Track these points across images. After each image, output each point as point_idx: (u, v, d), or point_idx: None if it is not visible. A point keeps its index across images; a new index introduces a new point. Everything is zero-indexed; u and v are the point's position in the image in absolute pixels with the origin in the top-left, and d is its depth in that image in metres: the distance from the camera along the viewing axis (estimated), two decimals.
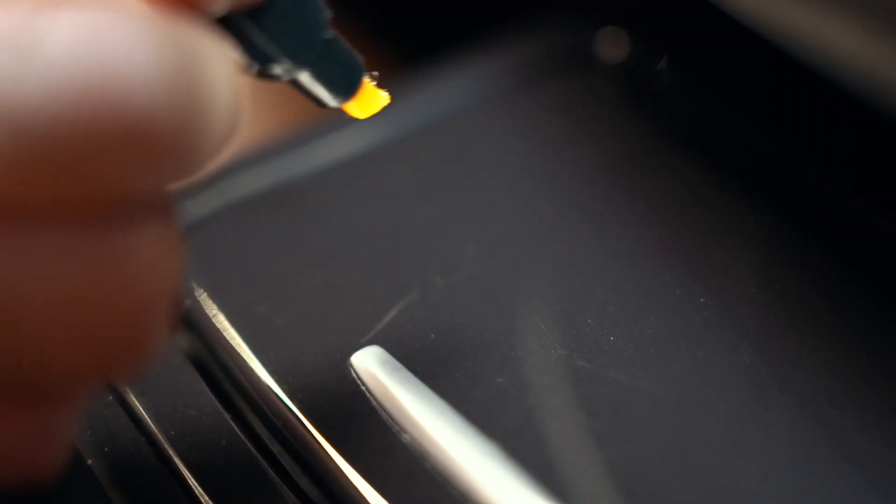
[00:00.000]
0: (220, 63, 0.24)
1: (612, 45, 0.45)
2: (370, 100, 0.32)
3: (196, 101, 0.23)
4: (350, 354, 0.33)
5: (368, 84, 0.32)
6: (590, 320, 0.34)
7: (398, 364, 0.33)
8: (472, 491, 0.30)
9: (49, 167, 0.21)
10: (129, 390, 0.33)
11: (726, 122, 0.42)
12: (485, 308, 0.35)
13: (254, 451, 0.32)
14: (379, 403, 0.32)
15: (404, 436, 0.31)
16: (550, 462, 0.30)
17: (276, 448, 0.32)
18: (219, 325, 0.35)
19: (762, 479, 0.30)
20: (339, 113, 0.32)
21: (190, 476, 0.32)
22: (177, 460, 0.32)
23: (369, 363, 0.33)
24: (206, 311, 0.35)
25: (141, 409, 0.33)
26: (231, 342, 0.34)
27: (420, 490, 0.30)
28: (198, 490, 0.31)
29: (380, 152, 0.41)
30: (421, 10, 0.58)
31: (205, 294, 0.36)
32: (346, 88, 0.31)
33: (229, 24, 0.27)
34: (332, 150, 0.41)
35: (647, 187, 0.39)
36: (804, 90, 0.38)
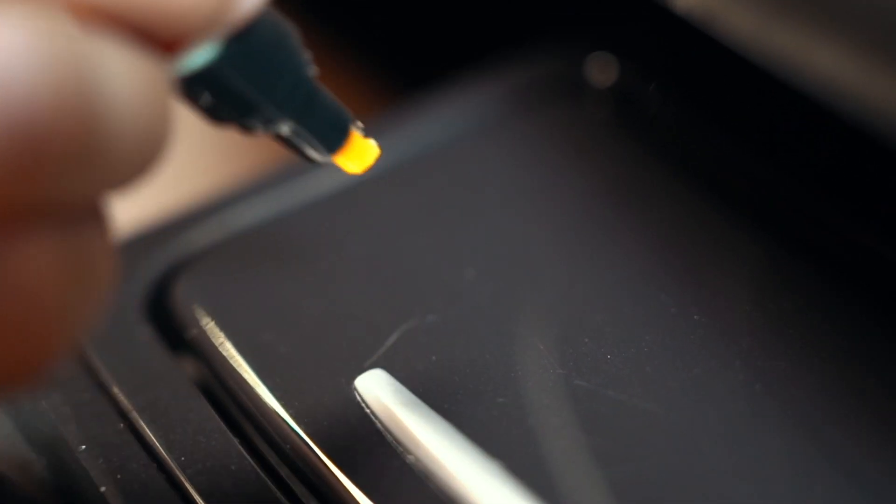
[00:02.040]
0: (122, 65, 0.22)
1: (602, 70, 0.45)
2: (361, 152, 0.31)
3: (90, 105, 0.22)
4: (354, 378, 0.34)
5: (357, 135, 0.31)
6: (587, 340, 0.34)
7: (401, 387, 0.33)
8: None
9: None
10: (139, 418, 0.34)
11: (717, 143, 0.42)
12: (485, 330, 0.35)
13: (262, 475, 0.32)
14: (384, 425, 0.32)
15: (409, 457, 0.32)
16: (551, 480, 0.31)
17: (284, 471, 0.33)
18: (225, 353, 0.35)
19: (759, 495, 0.30)
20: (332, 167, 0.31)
21: (201, 501, 0.32)
22: (188, 485, 0.32)
23: (373, 386, 0.33)
24: (213, 339, 0.36)
25: (151, 435, 0.33)
26: (238, 369, 0.35)
27: None
28: None
29: (377, 181, 0.41)
30: (412, 40, 0.59)
31: (211, 323, 0.36)
32: (334, 140, 0.30)
33: (206, 74, 0.26)
34: (331, 179, 0.41)
35: (640, 209, 0.40)
36: (795, 112, 0.39)
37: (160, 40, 0.24)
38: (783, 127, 0.41)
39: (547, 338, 0.35)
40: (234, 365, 0.35)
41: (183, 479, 0.32)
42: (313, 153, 0.30)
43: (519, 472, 0.31)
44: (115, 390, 0.35)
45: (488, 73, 0.46)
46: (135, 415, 0.34)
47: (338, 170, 0.31)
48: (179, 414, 0.34)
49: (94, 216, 0.24)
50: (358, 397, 0.33)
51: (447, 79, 0.46)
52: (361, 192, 0.41)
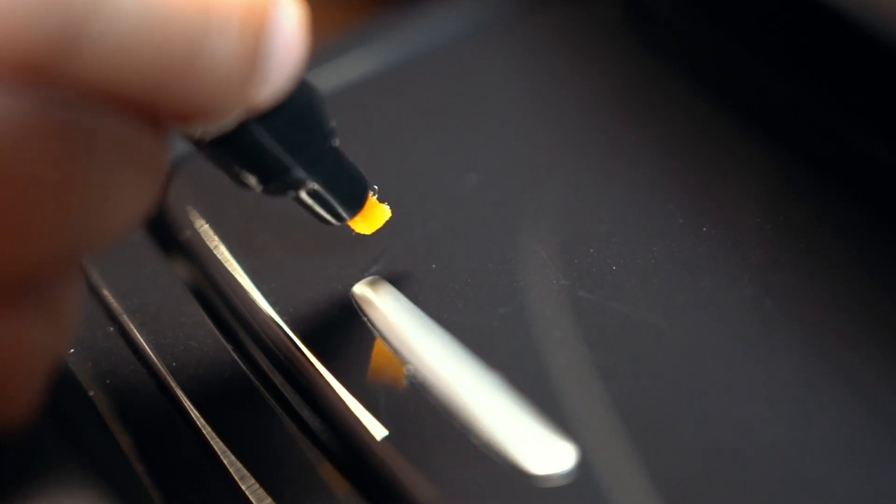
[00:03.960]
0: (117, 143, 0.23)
1: None
2: (374, 214, 0.32)
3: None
4: (351, 285, 0.33)
5: (372, 199, 0.32)
6: (592, 251, 0.34)
7: (400, 295, 0.33)
8: (475, 422, 0.29)
9: None
10: (129, 321, 0.33)
11: (730, 50, 0.41)
12: (487, 239, 0.35)
13: (255, 382, 0.32)
14: (381, 334, 0.32)
15: (407, 366, 0.31)
16: (552, 394, 0.30)
17: (277, 379, 0.32)
18: (220, 256, 0.35)
19: (767, 412, 0.30)
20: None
21: (192, 407, 0.32)
22: (178, 392, 0.32)
23: (371, 294, 0.33)
24: (207, 242, 0.35)
25: (142, 340, 0.33)
26: (232, 273, 0.34)
27: (422, 421, 0.30)
28: (200, 421, 0.31)
29: (377, 82, 0.41)
30: None
31: (205, 225, 0.35)
32: (353, 204, 0.31)
33: (236, 137, 0.27)
34: (329, 79, 0.40)
35: (649, 117, 0.39)
36: (808, 19, 0.38)
37: (184, 115, 0.24)
38: (796, 34, 0.40)
39: (550, 247, 0.34)
40: (229, 268, 0.34)
41: (173, 384, 0.32)
42: (328, 216, 0.31)
43: (519, 385, 0.30)
44: (105, 292, 0.34)
45: None
46: (125, 318, 0.34)
47: (335, 71, 0.30)
48: (171, 318, 0.34)
49: (74, 277, 0.25)
50: (355, 304, 0.33)
51: None
52: (360, 94, 0.40)
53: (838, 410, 0.30)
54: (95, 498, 0.28)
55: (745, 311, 0.32)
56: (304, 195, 0.29)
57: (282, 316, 0.33)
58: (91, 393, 0.32)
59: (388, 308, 0.32)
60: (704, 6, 0.43)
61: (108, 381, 0.32)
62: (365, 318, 0.32)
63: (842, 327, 0.31)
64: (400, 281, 0.33)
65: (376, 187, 0.31)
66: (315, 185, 0.29)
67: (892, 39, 0.32)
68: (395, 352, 0.31)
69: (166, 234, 0.36)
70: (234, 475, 0.30)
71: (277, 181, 0.28)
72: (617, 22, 0.43)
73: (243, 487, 0.30)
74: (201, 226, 0.35)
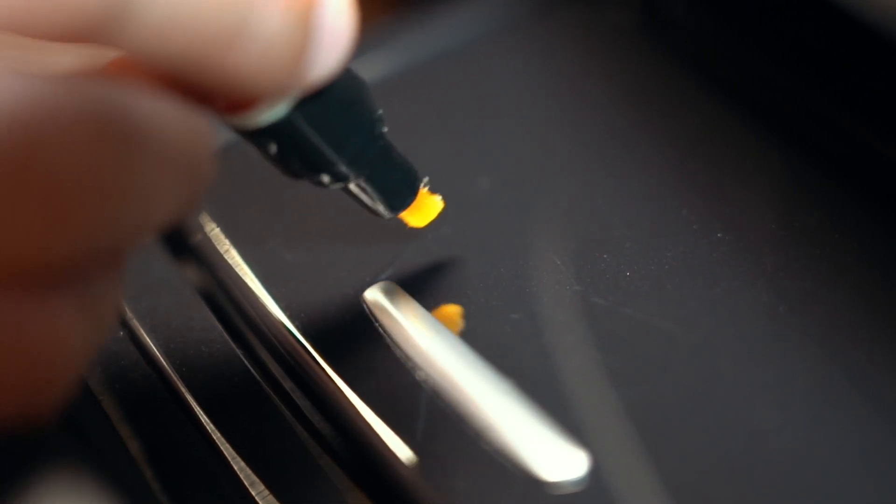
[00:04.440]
0: (163, 117, 0.23)
1: None
2: (426, 206, 0.32)
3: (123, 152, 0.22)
4: (362, 290, 0.33)
5: (424, 192, 0.31)
6: (606, 256, 0.34)
7: (411, 299, 0.33)
8: (487, 428, 0.29)
9: None
10: (139, 326, 0.33)
11: (744, 54, 0.41)
12: (499, 243, 0.34)
13: (265, 387, 0.32)
14: (392, 339, 0.32)
15: (418, 372, 0.31)
16: (565, 400, 0.30)
17: (287, 384, 0.32)
18: (230, 261, 0.34)
19: (780, 419, 0.29)
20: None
21: (201, 412, 0.31)
22: (188, 396, 0.32)
23: (382, 299, 0.33)
24: (218, 246, 0.35)
25: (152, 345, 0.33)
26: (242, 277, 0.34)
27: (434, 427, 0.30)
28: (209, 426, 0.31)
29: (390, 84, 0.40)
30: None
31: (216, 229, 0.35)
32: (404, 197, 0.31)
33: (285, 125, 0.26)
34: None
35: (663, 120, 0.38)
36: (824, 22, 0.38)
37: (228, 101, 0.25)
38: (812, 37, 0.40)
39: (563, 252, 0.34)
40: (239, 272, 0.34)
41: (183, 389, 0.32)
42: (379, 207, 0.30)
43: (531, 391, 0.30)
44: None
45: None
46: (135, 322, 0.33)
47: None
48: (181, 322, 0.33)
49: (116, 271, 0.24)
50: (366, 309, 0.33)
51: None
52: (374, 95, 0.40)
53: (852, 417, 0.29)
54: (104, 502, 0.28)
55: (758, 317, 0.32)
56: (353, 186, 0.29)
57: (292, 320, 0.33)
58: (100, 397, 0.32)
59: (399, 313, 0.32)
60: (719, 9, 0.42)
61: (117, 386, 0.32)
62: (376, 324, 0.32)
63: (856, 333, 0.31)
64: (411, 285, 0.33)
65: (427, 178, 0.31)
66: (364, 176, 0.29)
67: None
68: (407, 357, 0.31)
69: (176, 238, 0.36)
70: (243, 481, 0.30)
71: (327, 171, 0.28)
72: (631, 25, 0.43)
73: (253, 493, 0.30)
74: (212, 230, 0.35)
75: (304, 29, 0.24)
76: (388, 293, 0.33)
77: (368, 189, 0.29)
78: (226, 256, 0.35)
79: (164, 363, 0.32)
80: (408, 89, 0.41)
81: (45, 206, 0.21)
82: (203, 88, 0.24)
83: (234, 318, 0.34)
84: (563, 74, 0.41)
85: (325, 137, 0.27)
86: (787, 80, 0.40)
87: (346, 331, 0.32)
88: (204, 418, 0.31)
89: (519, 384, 0.30)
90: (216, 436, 0.31)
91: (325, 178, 0.28)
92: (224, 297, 0.34)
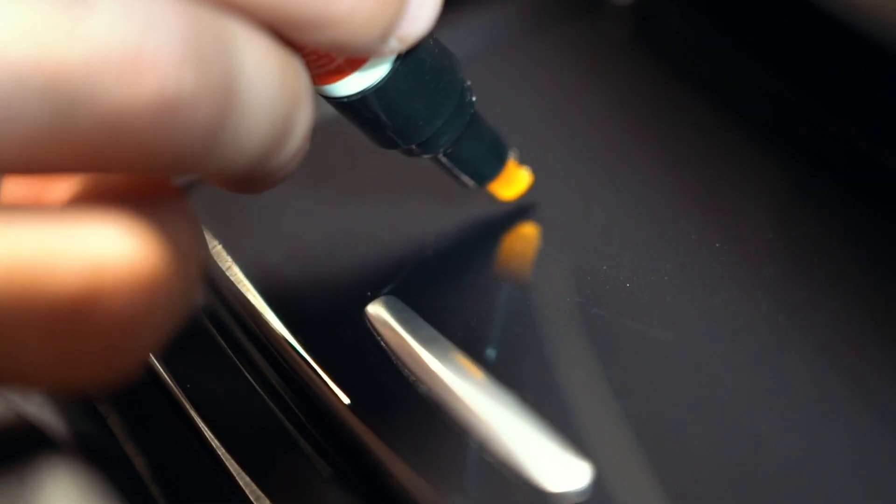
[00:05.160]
0: (255, 53, 0.22)
1: None
2: (515, 178, 0.31)
3: (228, 87, 0.21)
4: (364, 305, 0.33)
5: (513, 163, 0.31)
6: (605, 267, 0.34)
7: (413, 314, 0.33)
8: (490, 441, 0.29)
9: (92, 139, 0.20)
10: None
11: (739, 63, 0.41)
12: (499, 257, 0.35)
13: (270, 403, 0.32)
14: (395, 354, 0.32)
15: (421, 387, 0.31)
16: (567, 411, 0.30)
17: (291, 400, 0.32)
18: (233, 278, 0.34)
19: (781, 427, 0.30)
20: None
21: (206, 428, 0.31)
22: (192, 412, 0.32)
23: (385, 314, 0.33)
24: (220, 263, 0.35)
25: (155, 361, 0.33)
26: (245, 294, 0.34)
27: (437, 441, 0.30)
28: (214, 442, 0.31)
29: None
30: None
31: (219, 246, 0.35)
32: (492, 169, 0.31)
33: (369, 95, 0.26)
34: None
35: (660, 131, 0.39)
36: (818, 31, 0.38)
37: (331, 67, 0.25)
38: (810, 46, 0.40)
39: (563, 264, 0.34)
40: (242, 290, 0.34)
41: (187, 405, 0.32)
42: (467, 178, 0.31)
43: (534, 403, 0.30)
44: None
45: None
46: None
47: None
48: (186, 340, 0.33)
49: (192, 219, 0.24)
50: (369, 324, 0.33)
51: None
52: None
53: (853, 425, 0.30)
54: None
55: (758, 327, 0.32)
56: (441, 157, 0.29)
57: (295, 336, 0.33)
58: (106, 415, 0.32)
59: (402, 328, 0.32)
60: (716, 19, 0.43)
61: (122, 403, 0.32)
62: (379, 338, 0.32)
63: (855, 341, 0.31)
64: (413, 300, 0.33)
65: (517, 150, 0.31)
66: (453, 145, 0.29)
67: None
68: (410, 371, 0.31)
69: None
70: (249, 496, 0.30)
71: (418, 140, 0.28)
72: (627, 35, 0.43)
73: None
74: (214, 247, 0.35)
75: None
76: (390, 308, 0.33)
77: (458, 158, 0.29)
78: (228, 273, 0.35)
79: (169, 380, 0.32)
80: None
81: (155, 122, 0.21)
82: (302, 29, 0.23)
83: (237, 335, 0.34)
84: (559, 86, 0.41)
85: (416, 105, 0.27)
86: (783, 89, 0.40)
87: (349, 346, 0.32)
88: (208, 434, 0.31)
89: (521, 396, 0.30)
90: (221, 451, 0.31)
91: (416, 149, 0.28)
92: (227, 314, 0.34)
